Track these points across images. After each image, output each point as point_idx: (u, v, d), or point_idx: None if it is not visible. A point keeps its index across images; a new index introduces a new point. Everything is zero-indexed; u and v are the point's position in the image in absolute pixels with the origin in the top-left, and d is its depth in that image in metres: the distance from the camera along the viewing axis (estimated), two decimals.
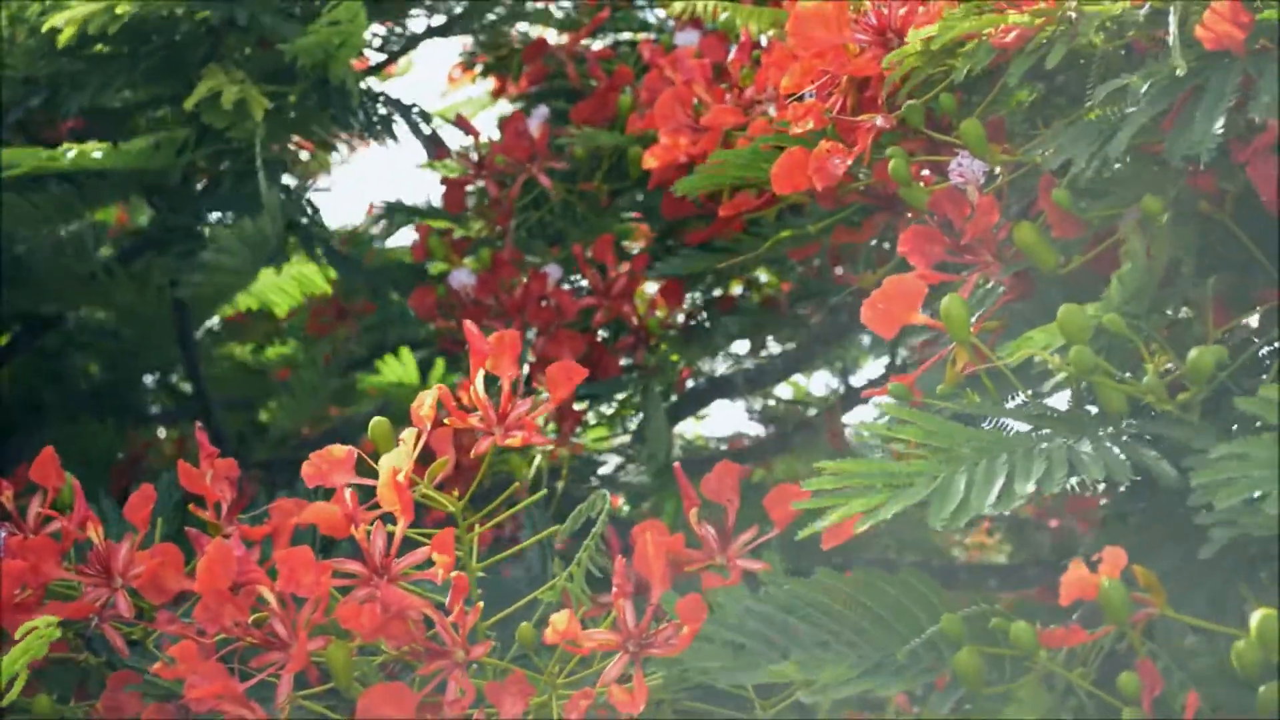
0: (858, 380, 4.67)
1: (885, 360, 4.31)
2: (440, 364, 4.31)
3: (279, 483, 4.06)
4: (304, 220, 3.74)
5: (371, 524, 2.10)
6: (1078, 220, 2.07)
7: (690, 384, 3.95)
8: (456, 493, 2.21)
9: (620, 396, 3.69)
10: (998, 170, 2.17)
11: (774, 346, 4.18)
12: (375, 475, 2.08)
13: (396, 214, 4.27)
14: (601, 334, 3.66)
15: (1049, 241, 2.08)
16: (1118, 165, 2.09)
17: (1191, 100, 1.88)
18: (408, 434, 2.09)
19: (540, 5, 3.89)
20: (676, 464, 2.36)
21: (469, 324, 2.18)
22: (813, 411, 4.66)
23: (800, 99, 2.37)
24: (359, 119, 3.55)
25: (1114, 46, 2.06)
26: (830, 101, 2.34)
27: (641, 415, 3.63)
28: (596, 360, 3.59)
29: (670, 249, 3.71)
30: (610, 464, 4.00)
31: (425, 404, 2.14)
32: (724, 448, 4.87)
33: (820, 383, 4.95)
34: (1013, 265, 2.14)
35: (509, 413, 2.18)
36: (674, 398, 3.81)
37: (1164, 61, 1.90)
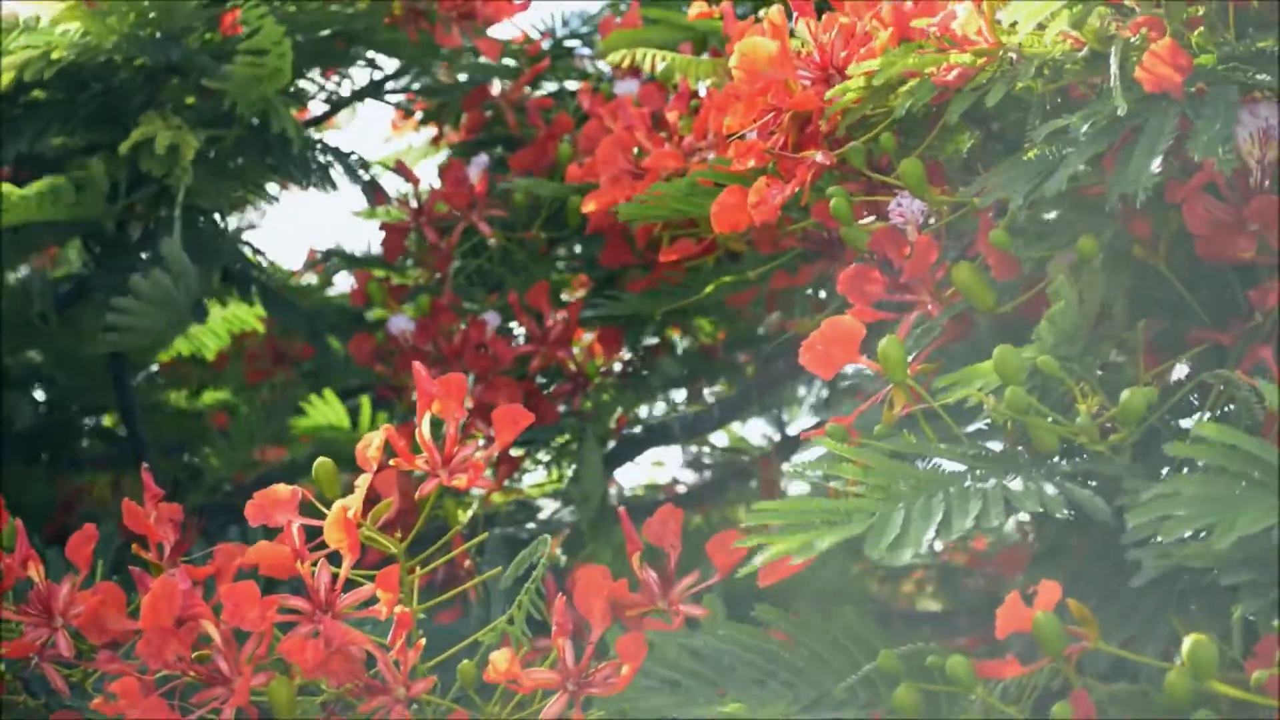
0: (793, 429, 4.69)
1: (820, 414, 4.32)
2: (366, 404, 4.31)
3: (214, 529, 4.05)
4: (239, 264, 3.74)
5: (316, 562, 2.10)
6: (1016, 261, 2.10)
7: (627, 431, 3.96)
8: (399, 534, 2.22)
9: (558, 442, 3.70)
10: (937, 211, 2.20)
11: (711, 394, 4.20)
12: (316, 515, 2.09)
13: (335, 260, 4.28)
14: (539, 380, 3.67)
15: (987, 282, 2.10)
16: (1055, 212, 2.12)
17: (1130, 140, 1.90)
18: (361, 479, 2.10)
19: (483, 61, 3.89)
20: (621, 508, 2.37)
21: (417, 366, 2.19)
22: (748, 458, 4.67)
23: (742, 138, 2.39)
24: (297, 167, 3.56)
25: (1053, 89, 2.09)
26: (772, 140, 2.36)
27: (577, 462, 3.64)
28: (534, 407, 3.55)
29: (609, 297, 3.74)
30: (547, 510, 4.00)
31: (373, 445, 2.15)
32: (660, 495, 4.88)
33: (756, 431, 4.98)
34: (951, 306, 2.16)
35: (454, 455, 2.20)
36: (611, 444, 3.82)
37: (1103, 103, 1.92)
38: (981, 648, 3.30)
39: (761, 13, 3.15)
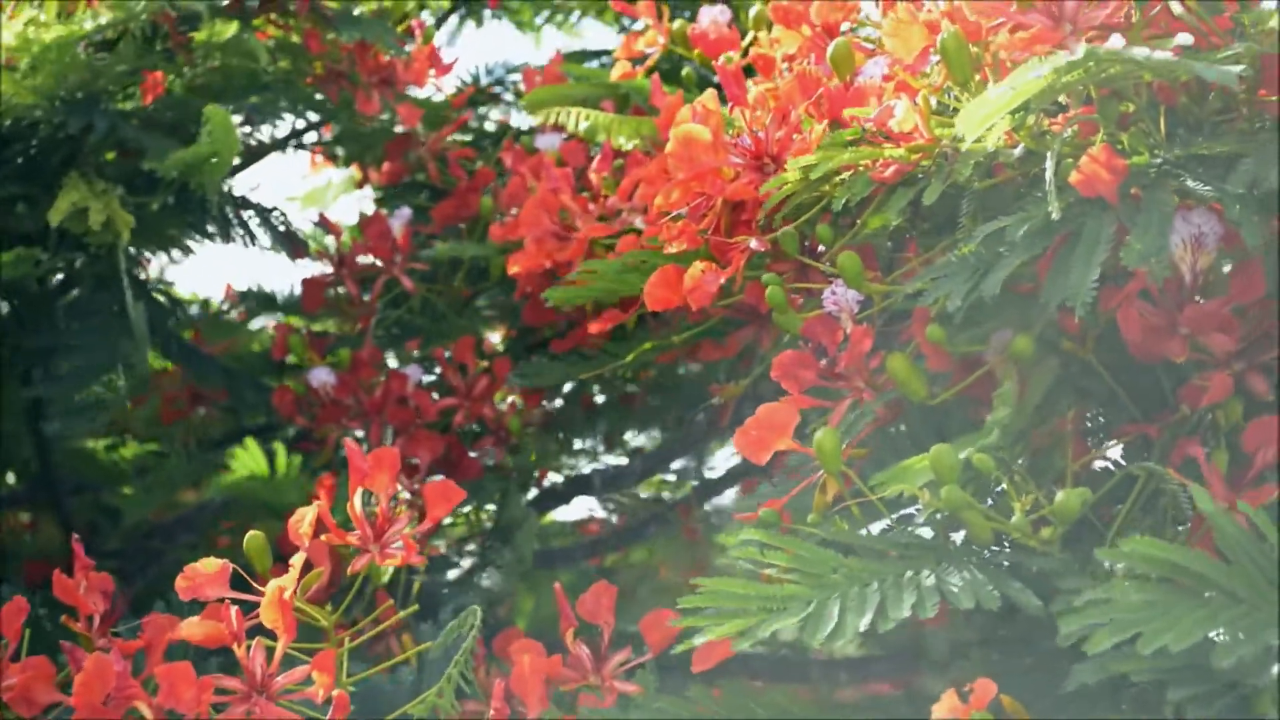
0: (712, 471, 4.70)
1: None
2: (281, 451, 4.29)
3: (131, 572, 4.04)
4: (156, 319, 3.72)
5: (250, 639, 2.11)
6: (950, 353, 2.13)
7: (547, 483, 3.97)
8: (329, 607, 2.23)
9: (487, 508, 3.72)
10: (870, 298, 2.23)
11: (633, 438, 4.22)
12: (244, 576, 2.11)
13: (253, 301, 4.27)
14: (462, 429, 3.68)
15: (920, 372, 2.13)
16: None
17: (1067, 247, 1.94)
18: (296, 557, 2.11)
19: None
20: (557, 585, 2.38)
21: (350, 444, 2.20)
22: (668, 495, 4.68)
23: (675, 218, 2.41)
24: (218, 223, 3.56)
25: (989, 185, 2.13)
26: (704, 222, 2.38)
27: (498, 515, 3.65)
28: (456, 460, 3.60)
29: (531, 347, 3.75)
30: (467, 559, 4.00)
31: (305, 521, 2.16)
32: (580, 537, 4.90)
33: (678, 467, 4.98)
34: (884, 393, 2.19)
35: (386, 530, 2.21)
36: (533, 492, 3.84)
37: (1038, 206, 1.95)
38: (900, 694, 3.35)
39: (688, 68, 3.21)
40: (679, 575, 5.24)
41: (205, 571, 2.17)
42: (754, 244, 2.31)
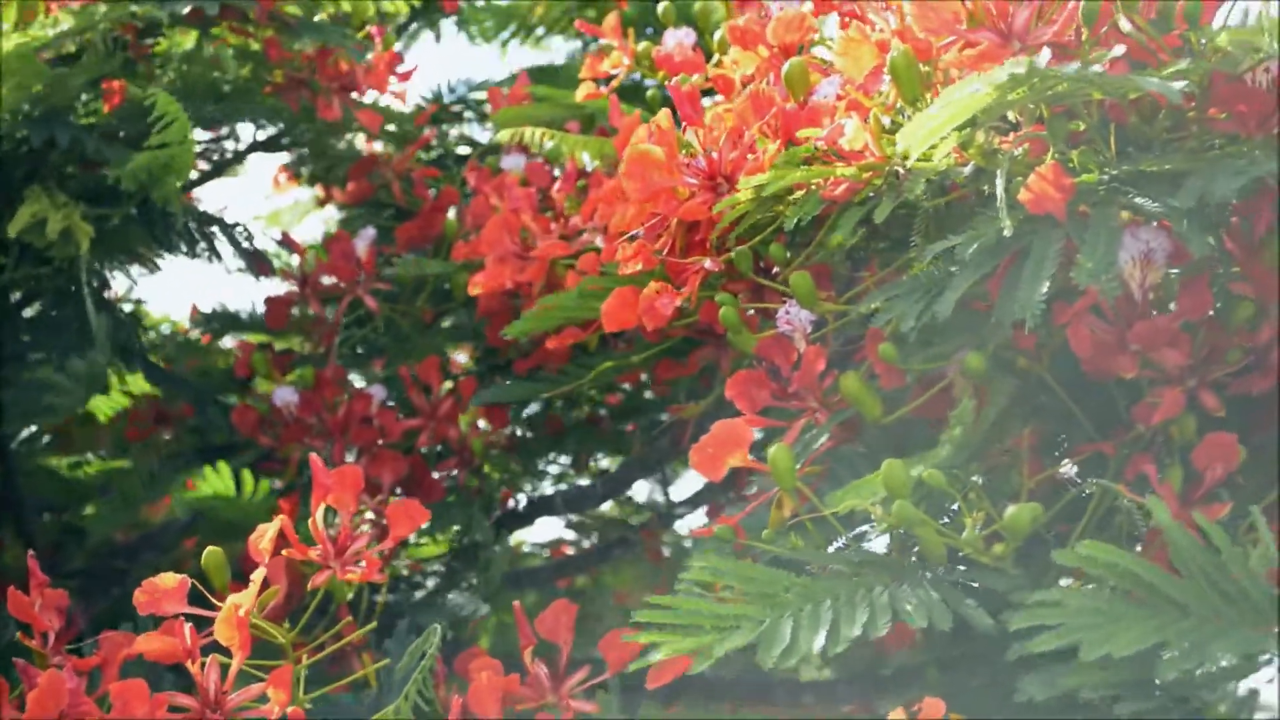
0: (677, 493, 4.71)
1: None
2: (247, 475, 4.28)
3: (95, 591, 4.03)
4: (123, 335, 3.72)
5: (205, 656, 2.11)
6: (903, 371, 2.13)
7: (512, 502, 3.97)
8: (287, 625, 2.23)
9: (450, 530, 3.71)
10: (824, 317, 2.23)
11: (600, 461, 4.22)
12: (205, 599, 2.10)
13: (218, 321, 4.26)
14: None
15: (874, 391, 2.14)
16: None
17: (1016, 264, 1.94)
18: (255, 574, 2.10)
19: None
20: (516, 604, 2.38)
21: (315, 459, 2.20)
22: (635, 518, 4.68)
23: (631, 238, 2.41)
24: (182, 238, 3.55)
25: (940, 203, 2.13)
26: (660, 243, 2.38)
27: (463, 536, 3.65)
28: (419, 481, 3.60)
29: (495, 367, 3.75)
30: (432, 579, 3.99)
31: (266, 537, 2.16)
32: (546, 553, 4.90)
33: (641, 490, 4.98)
34: (838, 412, 2.20)
35: (348, 546, 2.21)
36: (496, 513, 3.84)
37: (988, 224, 1.96)
38: (863, 715, 3.34)
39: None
40: (643, 598, 5.24)
41: (164, 586, 2.16)
42: (708, 264, 2.31)
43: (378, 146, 4.13)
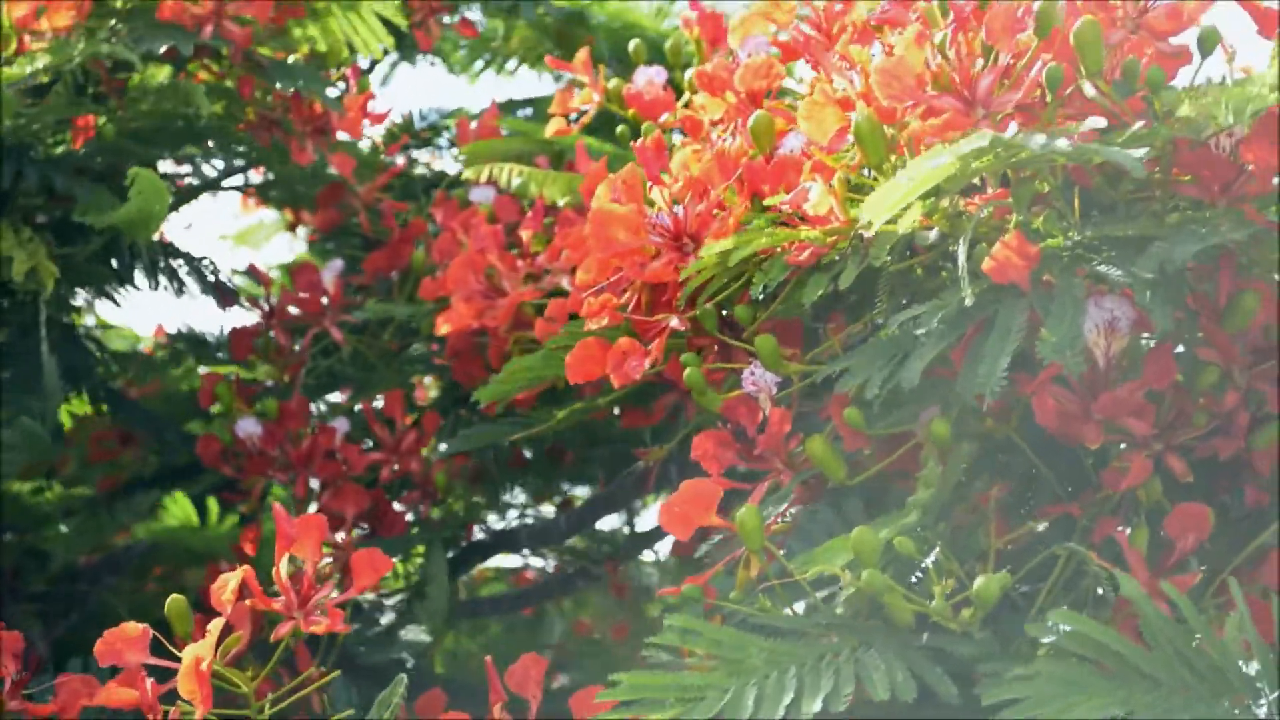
0: (642, 523, 4.70)
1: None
2: (212, 505, 4.28)
3: (56, 614, 4.02)
4: (85, 366, 3.71)
5: (169, 703, 2.11)
6: (868, 435, 2.13)
7: (477, 534, 3.97)
8: (250, 672, 2.22)
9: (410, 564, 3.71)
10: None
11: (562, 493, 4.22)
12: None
13: (184, 343, 4.25)
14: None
15: (839, 453, 2.14)
16: None
17: (981, 335, 1.94)
18: (214, 623, 2.10)
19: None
20: (488, 658, 2.37)
21: (278, 507, 2.19)
22: (598, 550, 4.67)
23: (596, 292, 2.40)
24: (147, 272, 3.55)
25: (904, 266, 2.13)
26: (625, 298, 2.37)
27: (421, 570, 3.65)
28: (381, 514, 3.59)
29: (460, 400, 3.74)
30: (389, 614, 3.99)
31: (228, 588, 2.15)
32: (509, 580, 4.90)
33: (605, 520, 4.98)
34: (802, 472, 2.20)
35: (311, 597, 2.21)
36: (460, 545, 3.83)
37: (952, 292, 1.96)
38: None
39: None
40: (606, 630, 5.25)
41: (125, 636, 2.16)
42: (674, 323, 2.30)
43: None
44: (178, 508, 4.04)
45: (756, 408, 2.23)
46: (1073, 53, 2.02)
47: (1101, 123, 1.94)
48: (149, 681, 2.12)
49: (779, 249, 2.17)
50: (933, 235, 2.09)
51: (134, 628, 2.16)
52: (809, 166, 2.18)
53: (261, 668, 2.22)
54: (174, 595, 2.22)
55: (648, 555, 4.58)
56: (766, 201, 2.25)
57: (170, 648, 2.16)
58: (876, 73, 2.02)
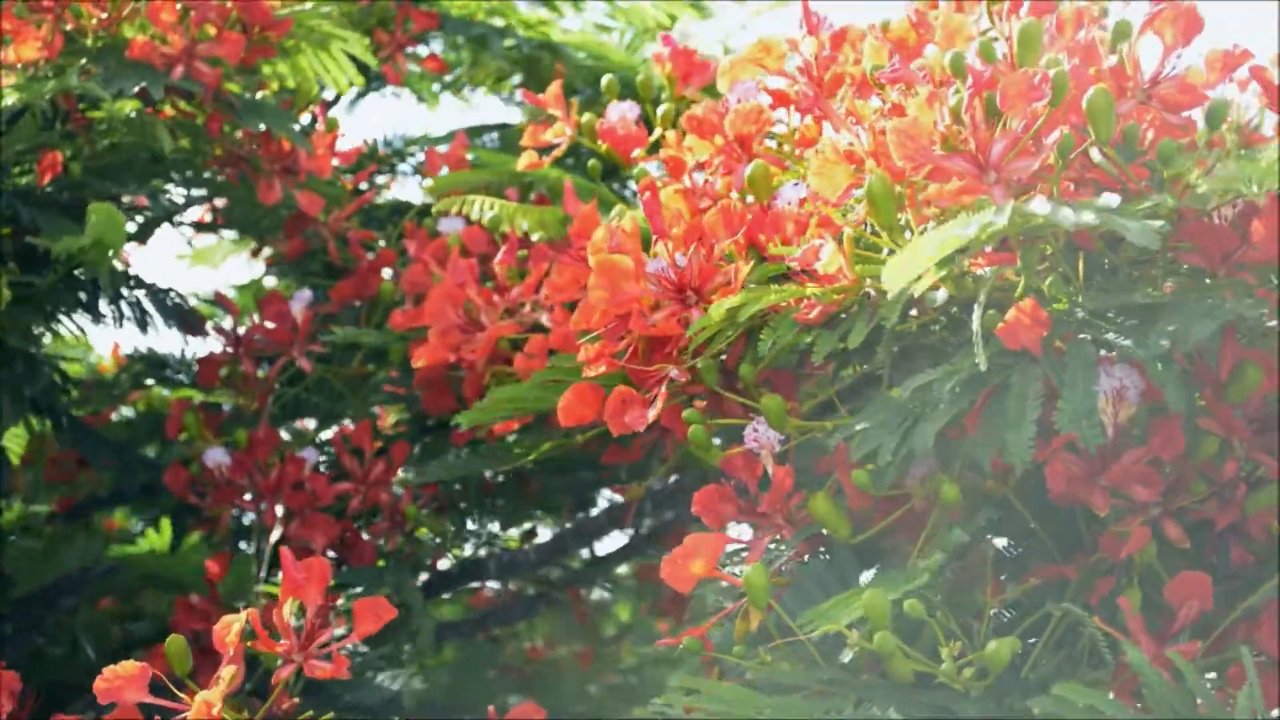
0: (602, 548, 4.70)
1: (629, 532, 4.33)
2: (193, 535, 4.26)
3: (12, 636, 3.99)
4: (48, 395, 3.70)
5: None
6: (873, 494, 2.15)
7: (444, 564, 3.96)
8: (246, 712, 2.23)
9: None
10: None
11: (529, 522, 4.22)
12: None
13: (143, 364, 4.24)
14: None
15: (842, 510, 2.15)
16: None
17: (995, 400, 1.96)
18: (225, 670, 2.11)
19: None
20: (491, 709, 2.38)
21: (285, 551, 2.21)
22: (559, 574, 4.67)
23: (593, 339, 2.40)
24: (111, 305, 3.54)
25: (911, 325, 2.15)
26: (622, 344, 2.37)
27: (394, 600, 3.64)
28: (350, 545, 3.59)
29: (428, 429, 3.74)
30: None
31: (232, 630, 2.17)
32: (464, 601, 4.90)
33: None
34: (804, 528, 2.21)
35: (313, 640, 2.22)
36: (425, 576, 3.83)
37: (964, 358, 1.98)
38: None
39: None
40: (561, 651, 5.26)
41: (124, 673, 2.17)
42: (674, 373, 2.31)
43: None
44: (155, 535, 4.03)
45: (756, 462, 2.25)
46: (1082, 119, 2.04)
47: (1115, 200, 1.96)
48: None
49: (785, 304, 2.18)
50: (940, 296, 2.11)
51: (132, 666, 2.17)
52: (815, 222, 2.20)
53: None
54: (173, 635, 2.24)
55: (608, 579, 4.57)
56: (769, 252, 2.26)
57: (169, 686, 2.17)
58: (893, 133, 2.03)
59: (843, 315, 2.15)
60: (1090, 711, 1.82)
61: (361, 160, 4.26)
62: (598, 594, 4.94)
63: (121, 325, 3.57)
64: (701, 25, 4.68)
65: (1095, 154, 2.09)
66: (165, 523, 3.88)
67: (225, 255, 4.74)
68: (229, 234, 4.62)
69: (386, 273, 3.77)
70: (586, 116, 3.16)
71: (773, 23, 4.87)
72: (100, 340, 5.97)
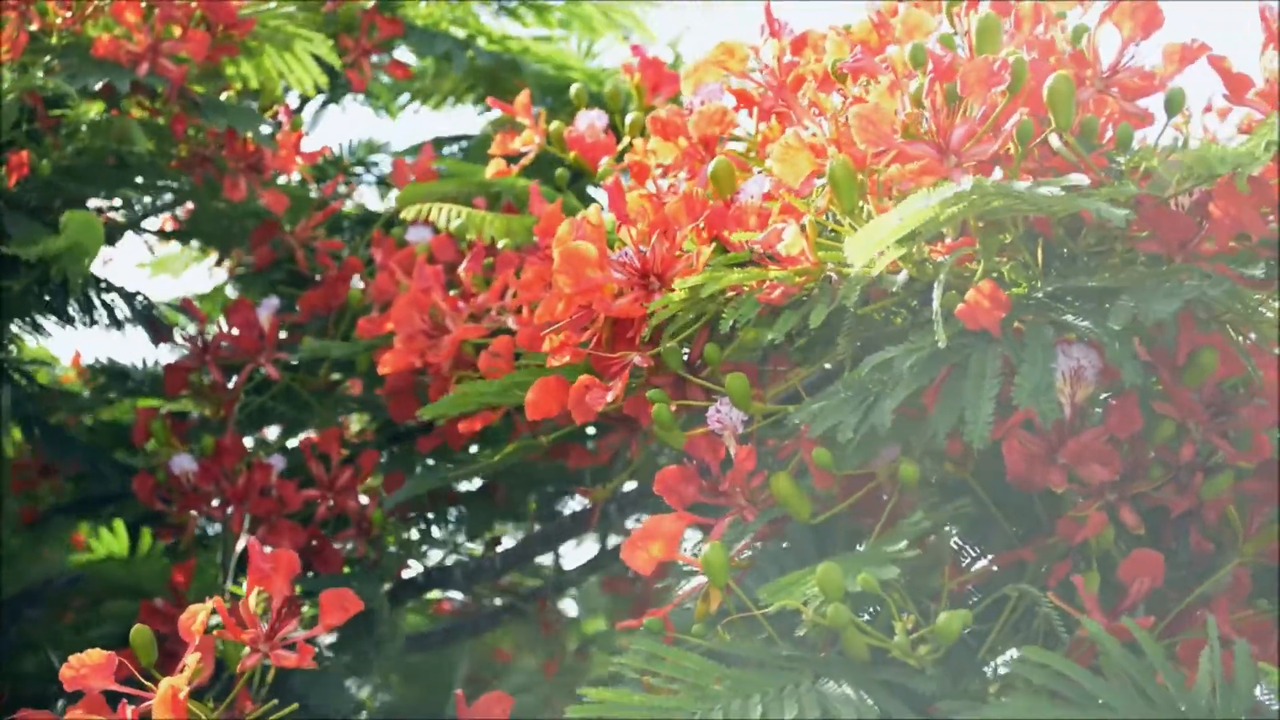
0: (569, 562, 4.72)
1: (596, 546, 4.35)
2: (145, 536, 4.26)
3: None
4: (16, 397, 3.71)
5: None
6: (835, 474, 2.17)
7: (410, 571, 3.97)
8: (211, 704, 2.24)
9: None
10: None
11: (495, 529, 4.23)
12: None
13: (106, 375, 4.24)
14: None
15: (804, 491, 2.17)
16: None
17: (954, 378, 1.99)
18: (190, 657, 2.12)
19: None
20: (459, 692, 2.39)
21: (253, 542, 2.22)
22: (527, 584, 4.67)
23: (556, 329, 2.42)
24: (80, 307, 3.55)
25: (873, 309, 2.18)
26: (587, 334, 2.40)
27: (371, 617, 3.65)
28: (317, 551, 3.60)
29: (395, 438, 3.76)
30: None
31: (198, 619, 2.18)
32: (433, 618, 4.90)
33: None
34: (766, 510, 2.23)
35: (278, 631, 2.23)
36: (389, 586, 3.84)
37: (924, 337, 2.01)
38: None
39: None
40: (533, 663, 5.26)
41: (90, 662, 2.18)
42: (637, 359, 2.34)
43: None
44: (111, 538, 4.02)
45: (719, 444, 2.27)
46: (1042, 107, 2.07)
47: (1084, 179, 1.98)
48: (131, 709, 2.14)
49: (748, 287, 2.21)
50: (900, 279, 2.13)
51: (98, 654, 2.18)
52: (777, 208, 2.23)
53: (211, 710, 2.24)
54: (138, 627, 2.24)
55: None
56: (732, 238, 2.29)
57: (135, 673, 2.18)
58: (855, 118, 2.06)
59: (804, 299, 2.18)
60: (1050, 675, 1.85)
61: (326, 169, 4.28)
62: (565, 604, 4.95)
63: (91, 326, 3.58)
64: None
65: (1055, 141, 2.12)
66: (119, 524, 3.87)
67: (187, 264, 4.75)
68: (195, 242, 4.64)
69: (355, 282, 3.79)
70: (555, 124, 3.19)
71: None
72: (61, 348, 5.96)
